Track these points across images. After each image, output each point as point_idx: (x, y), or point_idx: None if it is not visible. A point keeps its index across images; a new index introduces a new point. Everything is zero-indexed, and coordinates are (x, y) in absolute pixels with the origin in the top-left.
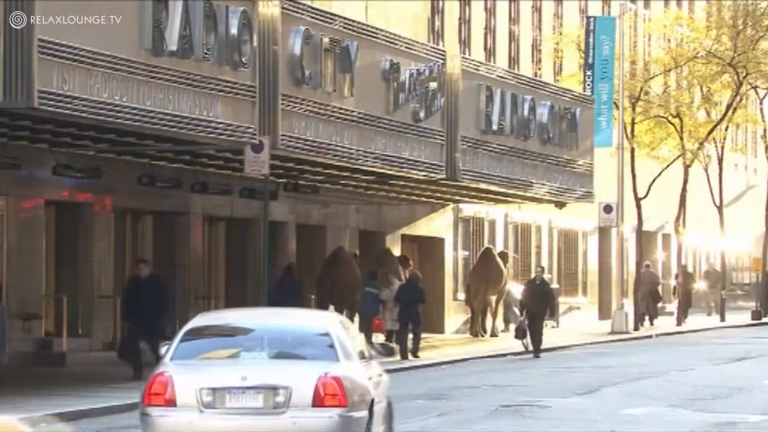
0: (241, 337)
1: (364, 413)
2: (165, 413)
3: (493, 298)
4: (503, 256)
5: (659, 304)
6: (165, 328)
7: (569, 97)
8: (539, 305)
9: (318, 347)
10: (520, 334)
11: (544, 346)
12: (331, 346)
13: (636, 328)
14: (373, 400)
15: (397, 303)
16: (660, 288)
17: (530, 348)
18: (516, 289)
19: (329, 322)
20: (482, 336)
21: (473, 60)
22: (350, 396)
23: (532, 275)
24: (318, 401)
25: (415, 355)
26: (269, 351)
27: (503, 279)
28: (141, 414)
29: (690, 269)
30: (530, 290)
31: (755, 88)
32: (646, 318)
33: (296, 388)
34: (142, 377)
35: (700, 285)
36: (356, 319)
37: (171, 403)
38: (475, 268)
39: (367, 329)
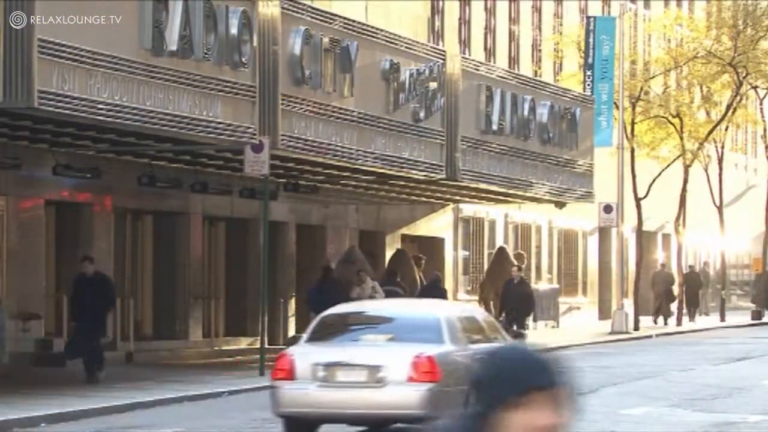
0: (367, 323)
1: (463, 388)
2: (286, 386)
3: None
4: (519, 256)
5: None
6: (106, 326)
7: (569, 97)
8: (516, 305)
9: (428, 331)
10: None
11: (545, 346)
12: (439, 330)
13: (636, 328)
14: None
15: None
16: (674, 288)
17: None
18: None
19: (443, 311)
20: None
21: (473, 60)
22: (445, 373)
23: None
24: (412, 377)
25: None
26: (387, 335)
27: None
28: (270, 387)
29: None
30: (507, 291)
31: (755, 88)
32: (660, 317)
33: (394, 366)
34: (97, 378)
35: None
36: None
37: (291, 377)
38: (490, 266)
39: None
